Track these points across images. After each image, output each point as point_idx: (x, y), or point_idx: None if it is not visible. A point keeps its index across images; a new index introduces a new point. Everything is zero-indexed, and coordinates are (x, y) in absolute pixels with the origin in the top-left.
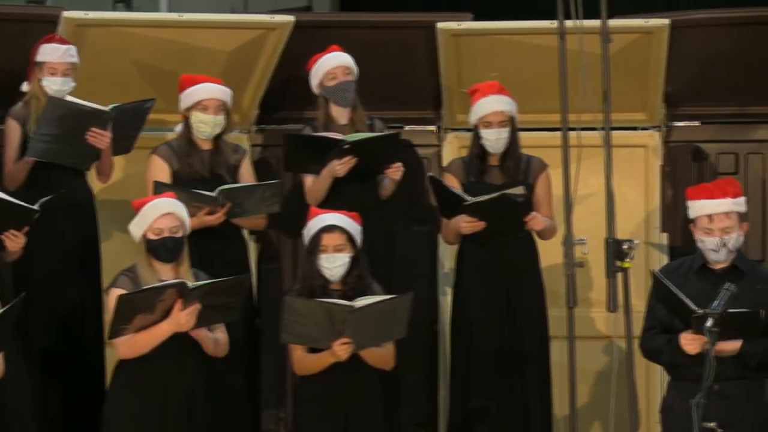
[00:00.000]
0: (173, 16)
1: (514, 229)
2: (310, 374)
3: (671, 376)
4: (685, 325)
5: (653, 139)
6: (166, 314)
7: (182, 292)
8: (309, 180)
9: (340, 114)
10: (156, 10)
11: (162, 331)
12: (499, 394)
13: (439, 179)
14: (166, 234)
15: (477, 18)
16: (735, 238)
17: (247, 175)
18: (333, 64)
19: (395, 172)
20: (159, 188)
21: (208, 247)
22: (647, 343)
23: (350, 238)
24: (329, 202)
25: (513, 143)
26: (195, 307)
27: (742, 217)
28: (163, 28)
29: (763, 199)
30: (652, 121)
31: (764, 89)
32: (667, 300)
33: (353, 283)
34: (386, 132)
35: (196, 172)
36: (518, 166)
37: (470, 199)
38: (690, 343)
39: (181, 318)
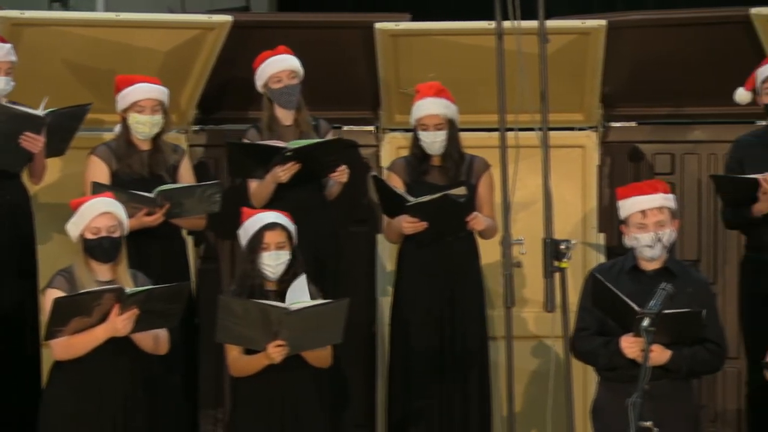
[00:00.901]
0: (110, 15)
1: (456, 230)
2: (246, 375)
3: (602, 377)
4: (622, 328)
5: (590, 139)
6: (103, 318)
7: (120, 297)
8: (253, 184)
9: (285, 115)
10: (93, 9)
11: (98, 336)
12: (438, 395)
13: (382, 179)
14: (103, 233)
15: (415, 18)
16: (669, 234)
17: (186, 176)
18: (279, 68)
19: (341, 175)
20: (97, 189)
21: (148, 247)
22: (581, 345)
23: (289, 236)
24: (273, 205)
25: (452, 145)
26: (132, 313)
27: (673, 214)
28: (99, 28)
29: (698, 199)
30: (589, 121)
31: (700, 90)
32: (606, 301)
33: (290, 282)
34: (328, 138)
35: (135, 173)
36: (459, 167)
37: (412, 200)
38: (631, 346)
39: (118, 323)
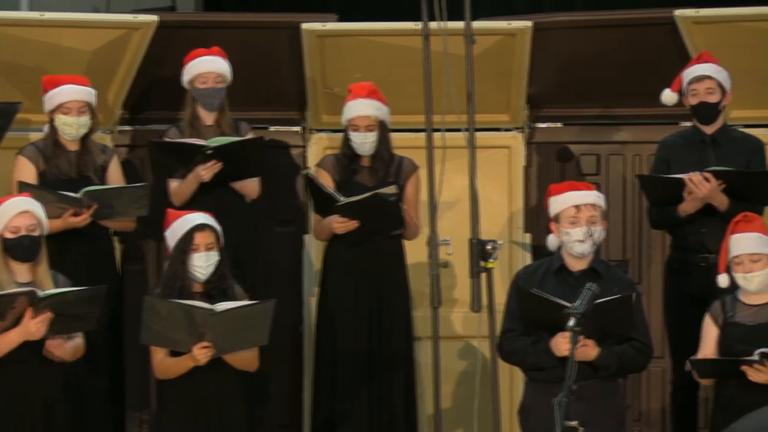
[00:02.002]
0: (34, 14)
1: (386, 228)
2: (171, 378)
3: (529, 377)
4: (550, 331)
5: (516, 140)
6: (18, 321)
7: (33, 301)
8: (174, 183)
9: (206, 115)
10: (17, 8)
11: (11, 340)
12: (364, 395)
13: (313, 177)
14: (23, 232)
15: (342, 19)
16: (599, 231)
17: (115, 176)
18: (207, 68)
19: (243, 187)
20: (24, 189)
21: (74, 248)
22: (508, 345)
23: (217, 237)
24: (194, 204)
25: (382, 146)
26: (46, 316)
27: (603, 214)
28: (24, 27)
29: (624, 200)
30: (516, 122)
31: (625, 91)
32: (535, 308)
33: (216, 283)
34: (249, 136)
35: (63, 173)
36: (388, 168)
37: (342, 200)
38: (566, 340)
39: (31, 327)
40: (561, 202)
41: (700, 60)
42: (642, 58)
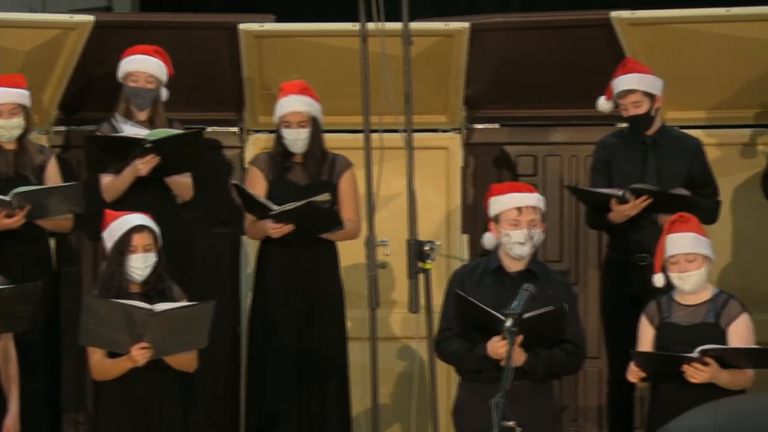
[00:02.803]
0: None
1: (323, 230)
2: (109, 379)
3: (463, 377)
4: (484, 333)
5: (454, 141)
6: None
7: None
8: (107, 178)
9: (139, 111)
10: None
11: None
12: (297, 396)
13: (242, 187)
14: None
15: (279, 19)
16: (539, 234)
17: (53, 176)
18: (139, 68)
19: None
20: None
21: (9, 249)
22: (445, 347)
23: (155, 238)
24: (126, 203)
25: (315, 143)
26: None
27: (542, 217)
28: None
29: (560, 200)
30: (453, 123)
31: (562, 92)
32: (472, 315)
33: (154, 284)
34: (189, 130)
35: (1, 173)
36: (321, 165)
37: (276, 209)
38: (504, 346)
39: None
40: (502, 203)
41: (625, 69)
42: (578, 60)
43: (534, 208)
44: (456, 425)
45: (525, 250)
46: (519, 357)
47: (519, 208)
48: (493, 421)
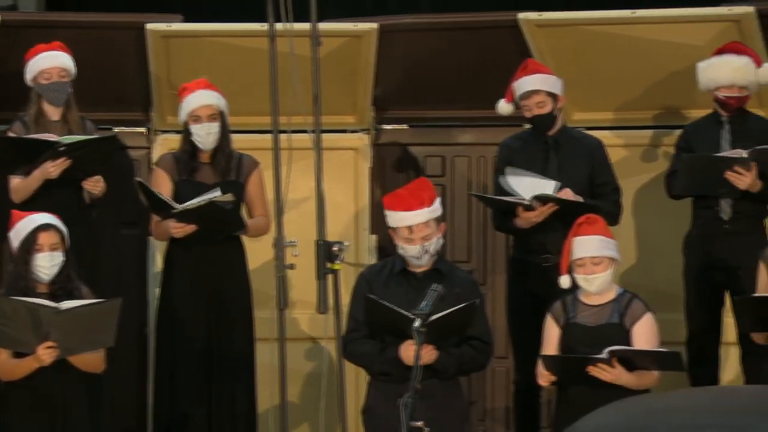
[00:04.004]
0: None
1: (224, 231)
2: (15, 379)
3: (373, 377)
4: (399, 338)
5: (362, 141)
6: None
7: None
8: (16, 180)
9: (52, 111)
10: None
11: None
12: (205, 397)
13: (146, 185)
14: None
15: (187, 19)
16: (435, 243)
17: None
18: (50, 64)
19: (94, 186)
20: None
21: None
22: (354, 348)
23: (62, 238)
24: (35, 205)
25: (224, 139)
26: None
27: (439, 220)
28: None
29: (468, 201)
30: (361, 123)
31: (470, 93)
32: (383, 318)
33: (62, 284)
34: (104, 135)
35: None
36: (229, 163)
37: (178, 207)
38: (412, 350)
39: None
40: (395, 219)
41: (527, 71)
42: (487, 61)
43: (426, 223)
44: (366, 425)
45: (422, 262)
46: (431, 355)
47: (410, 227)
48: (402, 421)
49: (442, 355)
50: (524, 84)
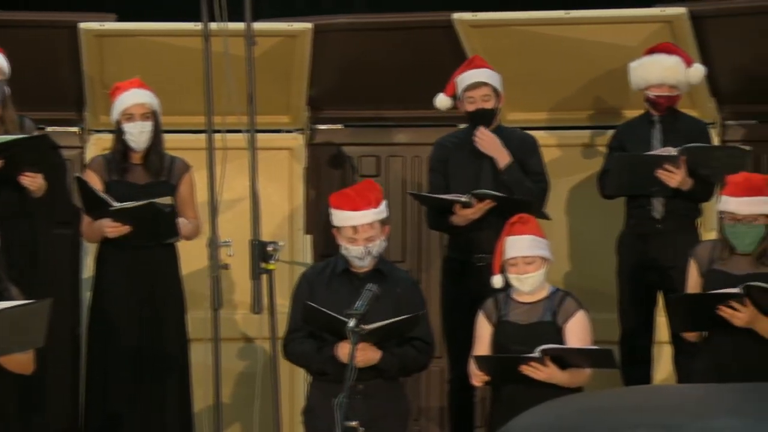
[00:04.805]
0: None
1: (160, 236)
2: None
3: (314, 377)
4: (335, 335)
5: (297, 141)
6: None
7: None
8: None
9: None
10: None
11: None
12: (138, 397)
13: (85, 180)
14: None
15: (121, 18)
16: (378, 245)
17: None
18: None
19: (31, 182)
20: None
21: None
22: (293, 348)
23: None
24: None
25: (156, 139)
26: None
27: (383, 222)
28: None
29: (403, 201)
30: (296, 123)
31: (404, 93)
32: (320, 322)
33: None
34: (33, 134)
35: None
36: (162, 164)
37: (116, 205)
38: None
39: None
40: (340, 218)
41: (473, 65)
42: (421, 61)
43: (371, 224)
44: (306, 426)
45: (364, 263)
46: (374, 355)
47: (354, 227)
48: (336, 421)
49: (385, 355)
50: (471, 76)
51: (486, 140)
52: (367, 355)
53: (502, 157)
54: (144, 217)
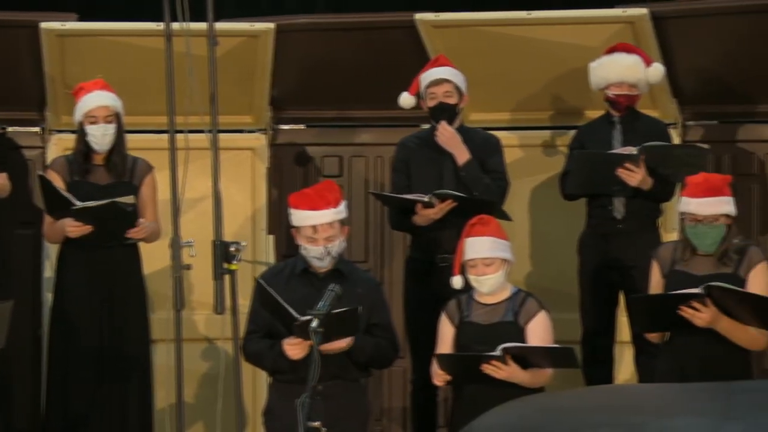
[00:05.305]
0: None
1: (120, 237)
2: None
3: (274, 378)
4: (288, 331)
5: (259, 141)
6: None
7: None
8: None
9: None
10: None
11: None
12: (99, 398)
13: (48, 179)
14: None
15: (83, 18)
16: (338, 245)
17: None
18: None
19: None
20: None
21: None
22: (249, 347)
23: None
24: None
25: (119, 141)
26: None
27: (343, 222)
28: None
29: (366, 201)
30: (259, 124)
31: (367, 93)
32: (271, 307)
33: None
34: None
35: None
36: (124, 165)
37: (79, 204)
38: (293, 348)
39: None
40: (299, 218)
41: (437, 63)
42: (384, 61)
43: (330, 224)
44: (266, 426)
45: (323, 264)
46: (341, 344)
47: (314, 226)
48: (299, 421)
49: (356, 340)
50: (435, 73)
51: (446, 135)
52: (334, 345)
53: (461, 154)
54: (106, 217)
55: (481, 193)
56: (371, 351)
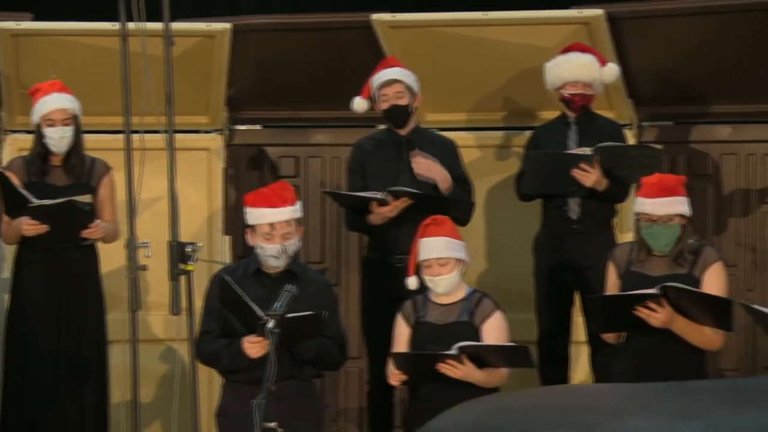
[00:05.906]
0: None
1: (76, 237)
2: None
3: (227, 379)
4: (247, 330)
5: (216, 142)
6: None
7: None
8: None
9: None
10: None
11: None
12: (56, 399)
13: (6, 176)
14: None
15: (38, 18)
16: (294, 244)
17: None
18: None
19: None
20: None
21: None
22: (204, 347)
23: None
24: None
25: (77, 143)
26: None
27: (299, 222)
28: None
29: (322, 201)
30: (215, 124)
31: (324, 94)
32: (232, 304)
33: None
34: None
35: None
36: (82, 166)
37: (36, 201)
38: (253, 347)
39: None
40: (256, 216)
41: (387, 65)
42: (340, 61)
43: (287, 222)
44: (219, 427)
45: (280, 263)
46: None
47: (271, 224)
48: (255, 422)
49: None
50: (385, 74)
51: (424, 165)
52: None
53: (444, 180)
54: (62, 216)
55: (464, 210)
56: (315, 353)
